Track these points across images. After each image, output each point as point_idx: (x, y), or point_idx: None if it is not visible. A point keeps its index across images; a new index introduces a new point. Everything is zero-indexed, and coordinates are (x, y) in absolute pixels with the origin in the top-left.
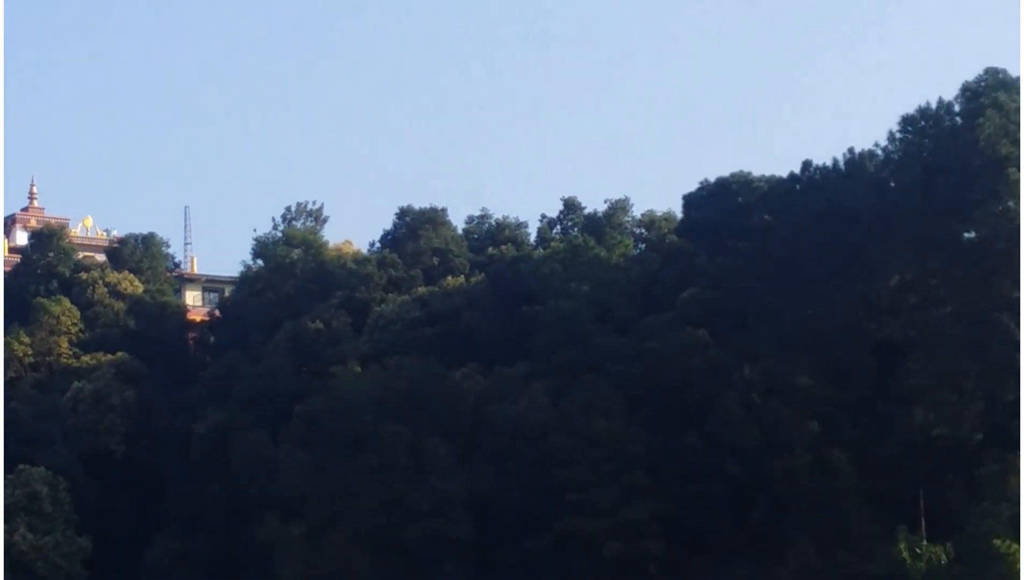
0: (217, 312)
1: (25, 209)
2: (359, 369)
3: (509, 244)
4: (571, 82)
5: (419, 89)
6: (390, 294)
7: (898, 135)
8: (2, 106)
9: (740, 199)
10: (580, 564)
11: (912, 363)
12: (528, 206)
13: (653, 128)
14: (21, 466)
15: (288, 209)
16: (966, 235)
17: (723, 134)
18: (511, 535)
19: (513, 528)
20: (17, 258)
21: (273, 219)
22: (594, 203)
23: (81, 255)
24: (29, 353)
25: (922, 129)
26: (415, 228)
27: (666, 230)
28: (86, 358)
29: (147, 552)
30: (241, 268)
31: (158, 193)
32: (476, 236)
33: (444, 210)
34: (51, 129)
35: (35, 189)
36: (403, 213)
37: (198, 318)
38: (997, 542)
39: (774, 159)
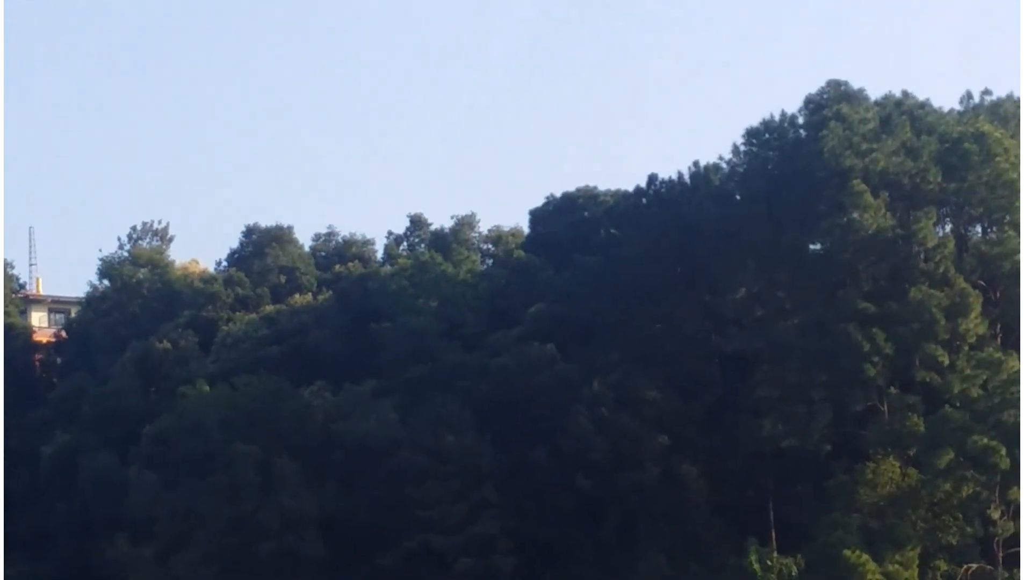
0: (63, 333)
1: None
2: (207, 389)
3: (356, 261)
4: (416, 96)
5: (262, 105)
6: (237, 313)
7: (743, 148)
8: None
9: (586, 213)
10: None
11: (760, 375)
12: (375, 223)
13: (499, 143)
14: None
15: (134, 229)
16: (812, 247)
17: (569, 149)
18: (362, 552)
19: (364, 545)
20: None
21: (119, 239)
22: (441, 219)
23: None
24: None
25: (767, 142)
26: (261, 246)
27: (513, 245)
28: None
29: None
30: (87, 289)
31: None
32: (323, 253)
33: (290, 228)
34: None
35: None
36: (249, 231)
37: (44, 339)
38: (847, 552)
39: (620, 174)
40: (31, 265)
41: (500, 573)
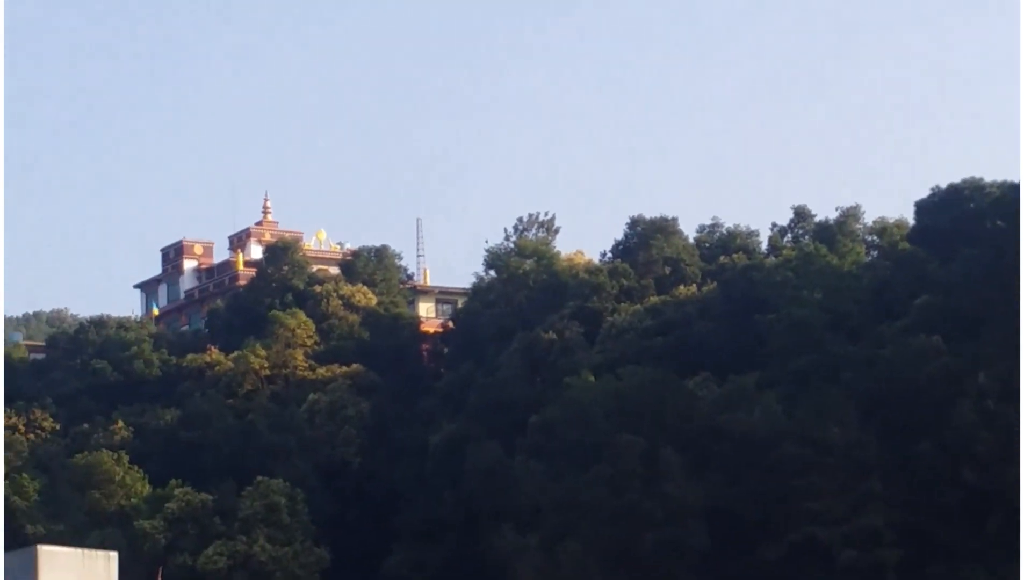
0: (450, 323)
1: (259, 223)
2: (592, 379)
3: (741, 252)
4: (800, 89)
5: (647, 98)
6: (622, 304)
7: None
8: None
9: (972, 205)
10: (814, 572)
11: None
12: (759, 214)
13: (885, 134)
14: (259, 478)
15: (520, 220)
16: None
17: (954, 139)
18: (745, 543)
19: (747, 536)
20: (252, 272)
21: (505, 230)
22: (825, 211)
23: (315, 268)
24: (266, 366)
25: None
26: (646, 237)
27: (898, 237)
28: (321, 370)
29: (384, 562)
30: (473, 279)
31: (390, 206)
32: (707, 245)
33: (675, 219)
34: (283, 145)
35: (268, 204)
36: (634, 223)
37: (431, 329)
38: None
39: (1005, 164)
40: (419, 256)
41: (885, 566)
